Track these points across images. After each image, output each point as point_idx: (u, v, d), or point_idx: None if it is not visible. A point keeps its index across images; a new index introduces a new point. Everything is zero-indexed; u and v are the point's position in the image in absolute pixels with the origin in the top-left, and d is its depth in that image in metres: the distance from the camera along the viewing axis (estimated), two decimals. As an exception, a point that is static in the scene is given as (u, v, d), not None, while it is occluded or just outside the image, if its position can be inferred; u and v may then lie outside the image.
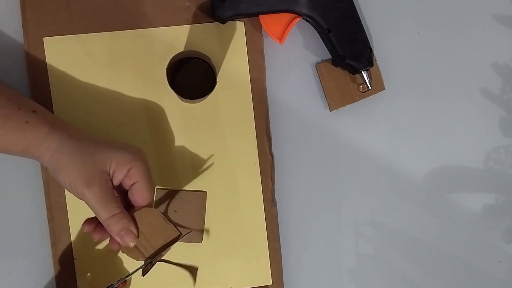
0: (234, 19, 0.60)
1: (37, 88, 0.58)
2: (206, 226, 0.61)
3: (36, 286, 0.60)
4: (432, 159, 0.65)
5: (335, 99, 0.63)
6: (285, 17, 0.59)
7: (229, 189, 0.61)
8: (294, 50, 0.63)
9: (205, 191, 0.61)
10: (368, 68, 0.60)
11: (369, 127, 0.64)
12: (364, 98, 0.63)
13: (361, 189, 0.65)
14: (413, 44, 0.65)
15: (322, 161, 0.64)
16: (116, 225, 0.51)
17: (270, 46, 0.62)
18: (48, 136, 0.50)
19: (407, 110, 0.65)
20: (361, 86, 0.63)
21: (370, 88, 0.61)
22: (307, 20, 0.60)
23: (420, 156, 0.65)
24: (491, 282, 0.67)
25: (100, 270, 0.59)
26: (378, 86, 0.63)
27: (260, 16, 0.59)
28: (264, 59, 0.62)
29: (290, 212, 0.64)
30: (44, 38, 0.58)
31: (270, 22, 0.60)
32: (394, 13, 0.64)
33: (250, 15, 0.59)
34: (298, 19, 0.59)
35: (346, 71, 0.62)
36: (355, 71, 0.60)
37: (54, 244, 0.59)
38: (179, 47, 0.60)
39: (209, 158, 0.61)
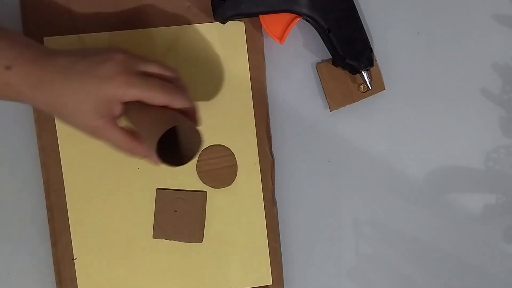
0: (234, 19, 0.60)
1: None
2: (206, 226, 0.61)
3: (36, 286, 0.60)
4: (432, 159, 0.65)
5: (335, 99, 0.63)
6: (285, 17, 0.59)
7: (229, 189, 0.61)
8: (294, 50, 0.63)
9: (205, 191, 0.61)
10: (368, 68, 0.60)
11: (369, 127, 0.64)
12: (364, 98, 0.63)
13: (361, 189, 0.64)
14: (413, 44, 0.65)
15: (322, 161, 0.64)
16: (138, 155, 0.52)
17: (270, 46, 0.62)
18: (31, 100, 0.48)
19: (407, 110, 0.65)
20: (361, 86, 0.63)
21: (370, 88, 0.61)
22: (307, 20, 0.60)
23: (420, 156, 0.65)
24: (491, 282, 0.67)
25: (101, 270, 0.59)
26: (378, 86, 0.63)
27: (260, 16, 0.59)
28: (264, 59, 0.62)
29: (290, 212, 0.64)
30: (44, 38, 0.58)
31: (270, 22, 0.60)
32: (394, 13, 0.64)
33: (250, 15, 0.59)
34: (298, 19, 0.59)
35: (347, 71, 0.62)
36: (355, 71, 0.60)
37: (54, 244, 0.59)
38: (179, 47, 0.60)
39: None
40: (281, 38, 0.60)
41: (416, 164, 0.65)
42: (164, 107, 0.49)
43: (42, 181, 0.59)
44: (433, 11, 0.65)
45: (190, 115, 0.51)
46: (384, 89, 0.63)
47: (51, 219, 0.59)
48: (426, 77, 0.65)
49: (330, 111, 0.63)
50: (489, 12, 0.65)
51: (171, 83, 0.51)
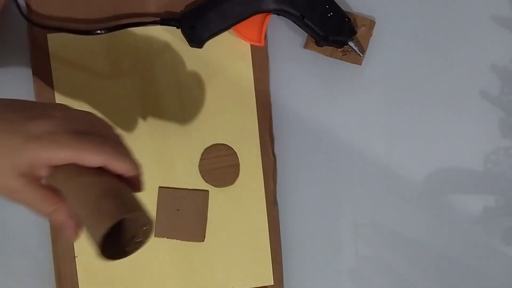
0: (211, 39, 0.59)
1: (41, 84, 0.58)
2: (208, 225, 0.60)
3: (36, 284, 0.59)
4: (432, 161, 0.66)
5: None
6: (256, 19, 0.59)
7: (232, 189, 0.61)
8: (296, 50, 0.63)
9: (208, 190, 0.61)
10: (352, 37, 0.60)
11: (370, 129, 0.65)
12: (341, 60, 0.63)
13: (361, 191, 0.65)
14: (411, 46, 0.65)
15: (324, 162, 0.64)
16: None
17: (273, 46, 0.62)
18: None
19: (407, 112, 0.65)
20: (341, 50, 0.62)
21: (361, 55, 0.61)
22: (278, 14, 0.59)
23: (420, 157, 0.65)
24: (491, 284, 0.67)
25: (102, 268, 0.59)
26: (357, 59, 0.63)
27: (233, 27, 0.59)
28: (267, 60, 0.62)
29: (291, 213, 0.63)
30: (48, 35, 0.58)
31: (244, 29, 0.59)
32: (392, 15, 0.64)
33: (223, 30, 0.58)
34: (269, 16, 0.59)
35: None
36: (342, 44, 0.60)
37: (54, 242, 0.58)
38: (180, 47, 0.60)
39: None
40: (259, 41, 0.59)
41: (415, 166, 0.65)
42: (101, 172, 0.42)
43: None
44: (432, 13, 0.65)
45: (132, 182, 0.44)
46: (360, 64, 0.63)
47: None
48: (425, 79, 0.65)
49: (304, 48, 0.62)
50: (488, 14, 0.66)
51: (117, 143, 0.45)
